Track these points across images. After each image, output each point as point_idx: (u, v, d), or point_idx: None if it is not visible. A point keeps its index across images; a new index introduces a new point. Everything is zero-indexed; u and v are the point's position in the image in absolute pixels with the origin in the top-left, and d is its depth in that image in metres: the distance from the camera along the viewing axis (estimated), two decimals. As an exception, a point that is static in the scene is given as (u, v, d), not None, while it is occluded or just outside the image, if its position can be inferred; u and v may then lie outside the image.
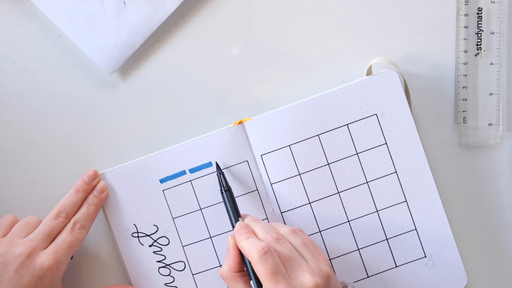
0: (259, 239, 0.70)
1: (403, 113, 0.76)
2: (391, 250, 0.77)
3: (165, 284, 0.79)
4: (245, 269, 0.71)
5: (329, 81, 0.79)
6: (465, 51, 0.78)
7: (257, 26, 0.80)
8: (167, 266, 0.79)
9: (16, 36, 0.81)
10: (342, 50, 0.80)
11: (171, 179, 0.78)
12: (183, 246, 0.79)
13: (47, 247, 0.74)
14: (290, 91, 0.80)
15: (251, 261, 0.68)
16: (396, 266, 0.77)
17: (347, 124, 0.77)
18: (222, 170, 0.77)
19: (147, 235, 0.79)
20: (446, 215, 0.77)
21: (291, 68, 0.80)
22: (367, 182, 0.77)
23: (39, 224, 0.76)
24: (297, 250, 0.69)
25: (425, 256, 0.77)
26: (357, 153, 0.77)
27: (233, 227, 0.73)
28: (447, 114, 0.79)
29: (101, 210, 0.80)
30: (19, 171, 0.82)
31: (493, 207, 0.79)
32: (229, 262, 0.71)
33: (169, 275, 0.79)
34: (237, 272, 0.71)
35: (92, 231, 0.81)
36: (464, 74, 0.78)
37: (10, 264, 0.72)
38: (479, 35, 0.78)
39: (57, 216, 0.75)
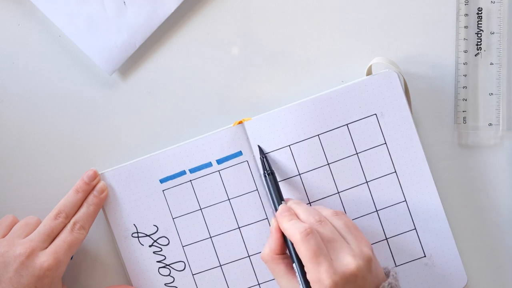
0: (301, 221, 0.70)
1: (403, 113, 0.76)
2: (391, 250, 0.77)
3: (165, 284, 0.79)
4: (287, 251, 0.71)
5: (329, 81, 0.79)
6: (465, 51, 0.78)
7: (257, 26, 0.80)
8: (167, 266, 0.79)
9: (16, 36, 0.81)
10: (342, 50, 0.80)
11: (171, 179, 0.78)
12: (183, 246, 0.79)
13: (47, 247, 0.74)
14: (290, 91, 0.80)
15: (293, 242, 0.68)
16: (396, 266, 0.77)
17: (347, 124, 0.77)
18: (265, 154, 0.77)
19: (147, 235, 0.79)
20: (446, 215, 0.77)
21: (291, 68, 0.80)
22: (366, 182, 0.77)
23: (39, 225, 0.76)
24: (339, 232, 0.69)
25: (425, 256, 0.77)
26: (356, 153, 0.77)
27: (276, 210, 0.73)
28: (447, 114, 0.79)
29: (101, 210, 0.80)
30: (19, 171, 0.82)
31: (493, 207, 0.79)
32: (271, 244, 0.71)
33: (169, 275, 0.79)
34: (278, 254, 0.71)
35: (92, 231, 0.81)
36: (464, 74, 0.78)
37: (10, 265, 0.72)
38: (479, 35, 0.78)
39: (57, 216, 0.75)
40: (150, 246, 0.79)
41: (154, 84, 0.81)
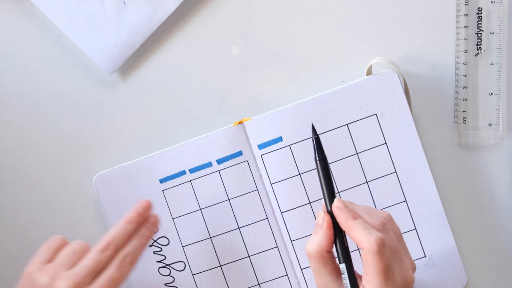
0: (369, 224, 0.65)
1: (403, 113, 0.76)
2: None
3: (165, 284, 0.79)
4: (336, 250, 0.67)
5: (329, 81, 0.79)
6: (465, 51, 0.78)
7: (257, 26, 0.80)
8: (167, 266, 0.79)
9: (16, 36, 0.81)
10: (342, 50, 0.80)
11: (171, 179, 0.78)
12: (183, 246, 0.79)
13: (90, 282, 0.68)
14: (290, 91, 0.80)
15: (363, 248, 0.63)
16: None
17: (347, 124, 0.77)
18: (318, 136, 0.69)
19: (147, 235, 0.79)
20: (446, 215, 0.77)
21: (291, 68, 0.80)
22: (367, 182, 0.77)
23: (86, 252, 0.70)
24: (396, 240, 0.66)
25: (425, 256, 0.77)
26: (357, 153, 0.77)
27: (326, 201, 0.67)
28: (447, 114, 0.79)
29: (101, 210, 0.80)
30: (19, 171, 0.82)
31: (493, 207, 0.79)
32: (322, 240, 0.66)
33: (169, 275, 0.79)
34: (328, 252, 0.66)
35: (92, 231, 0.81)
36: (464, 74, 0.78)
37: None
38: (479, 35, 0.78)
39: (105, 248, 0.69)
40: (150, 246, 0.79)
41: (154, 84, 0.81)
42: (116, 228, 0.71)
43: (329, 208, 0.67)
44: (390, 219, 0.67)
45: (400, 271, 0.64)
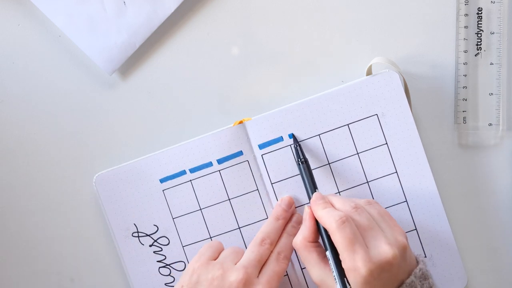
0: (336, 209, 0.69)
1: (404, 113, 0.76)
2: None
3: (165, 284, 0.79)
4: (320, 239, 0.71)
5: (329, 81, 0.79)
6: (465, 51, 0.78)
7: (257, 26, 0.80)
8: (167, 266, 0.79)
9: (16, 36, 0.81)
10: (342, 50, 0.80)
11: (171, 179, 0.78)
12: (183, 246, 0.79)
13: (257, 274, 0.72)
14: (290, 91, 0.80)
15: (328, 230, 0.67)
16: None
17: (347, 124, 0.77)
18: (299, 143, 0.76)
19: (147, 235, 0.79)
20: (446, 215, 0.77)
21: (291, 68, 0.80)
22: (367, 182, 0.77)
23: (243, 253, 0.75)
24: (374, 221, 0.69)
25: (425, 256, 0.77)
26: (357, 153, 0.77)
27: (310, 198, 0.73)
28: (447, 114, 0.79)
29: (101, 210, 0.80)
30: (19, 171, 0.82)
31: (493, 207, 0.79)
32: (304, 232, 0.71)
33: (169, 275, 0.79)
34: (311, 242, 0.71)
35: (92, 231, 0.81)
36: (464, 74, 0.78)
37: None
38: (479, 35, 0.78)
39: (262, 242, 0.74)
40: (150, 245, 0.79)
41: (154, 84, 0.81)
42: (267, 224, 0.76)
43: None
44: (368, 203, 0.71)
45: (373, 246, 0.66)
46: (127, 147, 0.81)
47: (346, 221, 0.66)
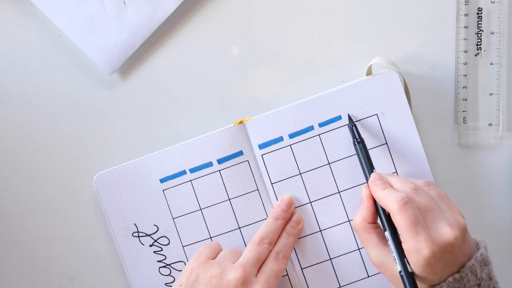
0: (396, 190, 0.69)
1: (404, 113, 0.76)
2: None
3: (165, 284, 0.79)
4: (379, 220, 0.70)
5: (329, 81, 0.79)
6: (465, 51, 0.78)
7: (257, 26, 0.80)
8: (168, 266, 0.79)
9: (16, 36, 0.81)
10: (342, 50, 0.80)
11: (171, 179, 0.78)
12: (183, 246, 0.79)
13: (255, 273, 0.72)
14: (290, 91, 0.80)
15: (390, 211, 0.67)
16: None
17: (347, 124, 0.77)
18: (354, 123, 0.76)
19: (147, 235, 0.79)
20: (446, 215, 0.77)
21: (291, 68, 0.80)
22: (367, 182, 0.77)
23: (241, 254, 0.75)
24: (434, 202, 0.68)
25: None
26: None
27: (367, 179, 0.72)
28: (447, 114, 0.79)
29: (101, 210, 0.80)
30: (19, 171, 0.82)
31: (493, 207, 0.79)
32: (363, 213, 0.70)
33: (169, 275, 0.79)
34: (370, 223, 0.70)
35: (92, 231, 0.81)
36: (464, 74, 0.78)
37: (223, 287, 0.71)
38: (479, 35, 0.78)
39: (260, 242, 0.74)
40: (150, 245, 0.79)
41: (154, 84, 0.81)
42: (266, 224, 0.76)
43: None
44: (427, 184, 0.70)
45: (435, 228, 0.65)
46: (127, 147, 0.81)
47: (408, 202, 0.66)
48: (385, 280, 0.77)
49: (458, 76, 0.79)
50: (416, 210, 0.66)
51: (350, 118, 0.76)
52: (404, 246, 0.66)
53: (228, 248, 0.76)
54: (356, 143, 0.74)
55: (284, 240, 0.75)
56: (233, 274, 0.71)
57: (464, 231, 0.66)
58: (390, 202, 0.67)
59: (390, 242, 0.68)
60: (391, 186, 0.70)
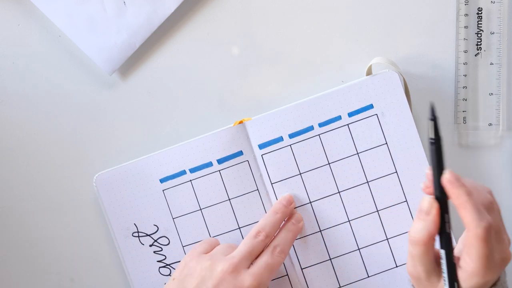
0: (478, 201, 0.62)
1: (404, 113, 0.76)
2: (392, 250, 0.77)
3: (165, 284, 0.79)
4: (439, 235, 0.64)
5: (329, 81, 0.79)
6: (465, 51, 0.78)
7: (257, 26, 0.80)
8: (168, 266, 0.79)
9: (16, 36, 0.81)
10: (342, 50, 0.80)
11: (171, 179, 0.78)
12: (183, 246, 0.79)
13: (248, 266, 0.72)
14: (290, 91, 0.80)
15: (470, 231, 0.61)
16: (397, 266, 0.77)
17: (347, 124, 0.77)
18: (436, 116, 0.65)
19: (147, 235, 0.79)
20: (446, 215, 0.77)
21: (291, 68, 0.80)
22: (367, 182, 0.77)
23: None
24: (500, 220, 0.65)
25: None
26: (357, 153, 0.77)
27: (434, 183, 0.64)
28: (447, 114, 0.79)
29: (101, 210, 0.80)
30: (19, 171, 0.82)
31: (493, 207, 0.79)
32: (429, 226, 0.63)
33: (169, 275, 0.79)
34: (433, 239, 0.64)
35: (92, 231, 0.81)
36: (464, 74, 0.78)
37: (211, 279, 0.71)
38: (479, 35, 0.78)
39: (257, 234, 0.74)
40: (150, 245, 0.79)
41: (154, 84, 0.81)
42: (264, 217, 0.75)
43: (437, 193, 0.64)
44: (493, 195, 0.66)
45: (500, 251, 0.63)
46: (127, 147, 0.81)
47: (491, 229, 0.61)
48: (385, 280, 0.77)
49: (458, 76, 0.79)
50: (494, 239, 0.62)
51: (432, 110, 0.65)
52: (467, 268, 0.62)
53: (225, 243, 0.76)
54: (432, 142, 0.65)
55: (283, 235, 0.75)
56: (222, 265, 0.71)
57: None
58: (476, 224, 0.61)
59: (444, 261, 0.64)
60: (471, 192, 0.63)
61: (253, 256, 0.73)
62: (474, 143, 0.79)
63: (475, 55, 0.78)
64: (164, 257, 0.79)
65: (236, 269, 0.71)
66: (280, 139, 0.77)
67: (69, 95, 0.81)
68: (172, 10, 0.79)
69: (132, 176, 0.79)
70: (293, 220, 0.76)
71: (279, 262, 0.73)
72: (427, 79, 0.79)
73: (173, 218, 0.79)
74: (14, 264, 0.83)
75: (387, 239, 0.77)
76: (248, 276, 0.71)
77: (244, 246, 0.73)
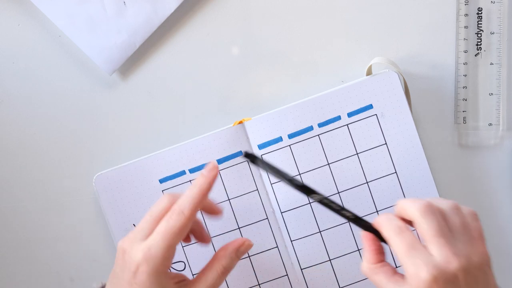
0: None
1: (403, 113, 0.76)
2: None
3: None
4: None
5: (329, 81, 0.79)
6: (465, 51, 0.78)
7: (257, 26, 0.80)
8: (167, 266, 0.79)
9: (16, 36, 0.81)
10: (342, 50, 0.80)
11: (171, 179, 0.78)
12: (183, 246, 0.79)
13: (143, 238, 0.66)
14: (290, 91, 0.80)
15: (413, 218, 0.61)
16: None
17: (347, 125, 0.77)
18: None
19: (147, 235, 0.79)
20: (446, 215, 0.77)
21: (291, 68, 0.80)
22: (367, 182, 0.77)
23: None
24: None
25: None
26: (357, 153, 0.77)
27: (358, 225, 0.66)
28: (447, 114, 0.79)
29: (101, 210, 0.80)
30: (19, 171, 0.82)
31: (493, 207, 0.79)
32: (365, 255, 0.64)
33: (169, 275, 0.79)
34: (375, 263, 0.64)
35: (92, 231, 0.81)
36: (464, 74, 0.78)
37: (118, 266, 0.67)
38: (479, 35, 0.78)
39: (157, 204, 0.68)
40: (150, 246, 0.79)
41: (154, 84, 0.81)
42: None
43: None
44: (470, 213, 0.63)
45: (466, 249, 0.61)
46: (127, 147, 0.81)
47: (433, 209, 0.61)
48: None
49: (458, 76, 0.79)
50: (439, 220, 0.60)
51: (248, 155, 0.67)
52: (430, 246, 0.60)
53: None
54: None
55: (187, 193, 0.66)
56: (120, 242, 0.67)
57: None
58: (413, 208, 0.61)
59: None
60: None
61: (154, 225, 0.66)
62: (474, 143, 0.79)
63: (475, 55, 0.78)
64: (163, 257, 0.79)
65: (124, 248, 0.66)
66: (280, 139, 0.77)
67: (69, 95, 0.81)
68: (172, 10, 0.79)
69: (131, 176, 0.79)
70: (202, 171, 0.68)
71: (178, 223, 0.65)
72: (427, 79, 0.79)
73: (173, 218, 0.79)
74: (14, 264, 0.84)
75: (386, 239, 0.77)
76: (144, 245, 0.65)
77: (142, 221, 0.67)
